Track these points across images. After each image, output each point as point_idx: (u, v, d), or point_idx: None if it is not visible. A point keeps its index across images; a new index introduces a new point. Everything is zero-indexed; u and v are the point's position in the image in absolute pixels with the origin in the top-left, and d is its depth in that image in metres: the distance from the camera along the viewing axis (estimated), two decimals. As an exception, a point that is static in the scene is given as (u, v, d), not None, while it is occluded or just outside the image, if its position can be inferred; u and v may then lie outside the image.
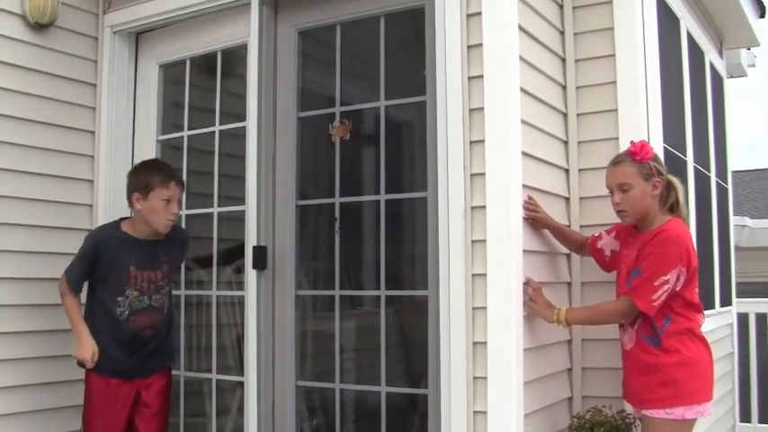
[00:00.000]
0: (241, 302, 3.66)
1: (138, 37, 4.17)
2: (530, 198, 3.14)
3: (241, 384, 3.65)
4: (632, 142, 3.07)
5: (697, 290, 3.01)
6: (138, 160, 4.09)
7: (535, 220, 3.17)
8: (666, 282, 2.83)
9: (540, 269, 3.23)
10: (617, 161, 3.05)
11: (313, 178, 3.76)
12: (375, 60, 3.41)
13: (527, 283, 3.03)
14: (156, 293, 3.44)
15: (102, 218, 4.01)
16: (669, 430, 2.86)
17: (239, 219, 3.62)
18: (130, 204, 3.42)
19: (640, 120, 3.48)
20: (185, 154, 3.97)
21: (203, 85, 4.05)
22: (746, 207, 14.99)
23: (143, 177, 3.38)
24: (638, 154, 2.98)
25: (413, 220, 3.70)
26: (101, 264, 3.36)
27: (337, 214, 3.49)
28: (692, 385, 2.89)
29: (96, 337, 3.33)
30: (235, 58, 3.94)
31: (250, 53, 3.65)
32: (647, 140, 3.48)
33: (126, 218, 3.53)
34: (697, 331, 2.97)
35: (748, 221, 10.88)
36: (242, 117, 3.68)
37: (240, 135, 3.69)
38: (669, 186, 3.04)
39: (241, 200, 3.61)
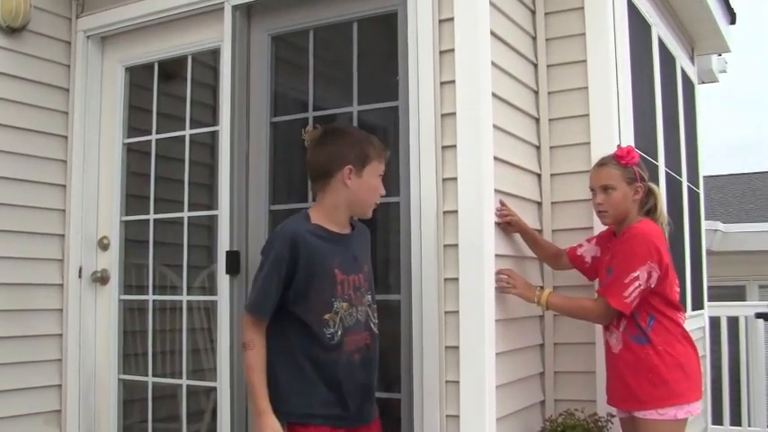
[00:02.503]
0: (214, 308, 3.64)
1: (104, 40, 4.13)
2: (502, 203, 3.15)
3: (214, 390, 3.62)
4: (619, 146, 3.17)
5: (677, 288, 3.03)
6: (103, 164, 4.06)
7: (509, 224, 3.18)
8: (636, 278, 2.85)
9: (512, 273, 3.22)
10: (602, 163, 3.12)
11: (286, 183, 3.74)
12: (348, 65, 3.40)
13: (499, 272, 3.03)
14: (361, 304, 2.62)
15: (76, 224, 3.97)
16: (663, 430, 2.86)
17: (209, 225, 3.60)
18: (326, 183, 2.57)
19: (612, 125, 3.49)
20: (153, 158, 3.95)
21: (172, 89, 4.02)
22: (720, 211, 15.12)
23: (358, 146, 2.56)
24: (623, 158, 3.07)
25: (385, 225, 3.68)
26: (301, 272, 2.46)
27: (309, 219, 3.46)
28: (683, 385, 2.91)
29: (293, 382, 2.46)
30: (206, 62, 3.92)
31: (223, 58, 3.63)
32: (621, 145, 3.51)
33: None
34: (683, 330, 2.99)
35: (720, 226, 10.95)
36: (212, 122, 3.65)
37: (206, 142, 3.66)
38: (649, 193, 3.11)
39: (210, 206, 3.59)
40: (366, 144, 2.59)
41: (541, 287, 3.10)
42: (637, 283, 2.86)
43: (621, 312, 2.92)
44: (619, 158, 3.07)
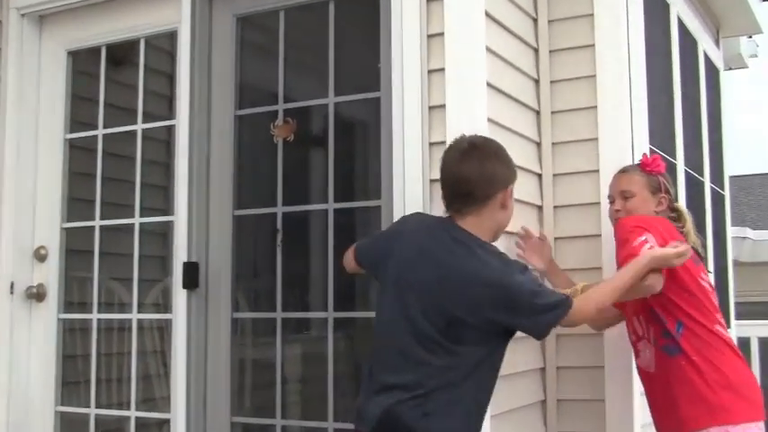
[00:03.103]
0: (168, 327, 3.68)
1: (42, 19, 4.15)
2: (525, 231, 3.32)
3: (167, 422, 3.67)
4: (645, 155, 3.33)
5: (705, 284, 3.08)
6: (41, 163, 4.09)
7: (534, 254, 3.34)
8: (644, 241, 2.88)
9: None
10: (625, 169, 3.29)
11: (252, 185, 3.80)
12: (323, 51, 3.46)
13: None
14: None
15: (7, 231, 3.99)
16: None
17: (164, 233, 3.65)
18: (481, 207, 2.67)
19: (623, 118, 3.59)
20: (99, 156, 3.99)
21: (122, 77, 4.06)
22: (750, 216, 15.27)
23: (511, 164, 2.75)
24: (648, 165, 3.22)
25: (367, 232, 3.74)
26: None
27: (280, 226, 3.54)
28: (730, 401, 2.89)
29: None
30: (162, 46, 3.96)
31: (181, 42, 3.68)
32: (631, 141, 3.61)
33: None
34: (722, 338, 3.01)
35: (750, 233, 11.00)
36: (168, 115, 3.70)
37: (160, 138, 3.72)
38: (678, 215, 3.24)
39: (165, 211, 3.64)
40: (513, 164, 2.78)
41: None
42: (647, 245, 2.87)
43: (651, 311, 3.02)
44: (643, 166, 3.23)
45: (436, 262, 2.59)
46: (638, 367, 3.19)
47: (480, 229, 2.67)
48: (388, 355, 2.60)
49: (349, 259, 2.97)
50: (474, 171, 2.64)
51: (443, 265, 2.57)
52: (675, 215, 3.25)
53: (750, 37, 6.84)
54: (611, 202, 3.25)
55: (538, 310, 2.55)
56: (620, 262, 2.89)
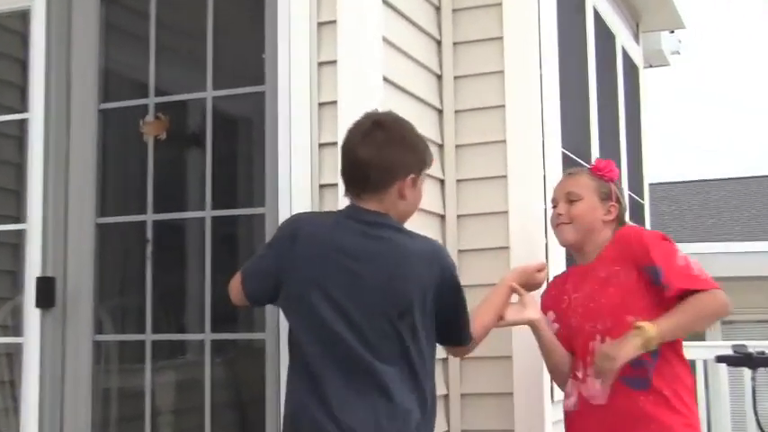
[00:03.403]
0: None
1: None
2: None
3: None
4: (597, 159, 3.43)
5: None
6: None
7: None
8: (688, 259, 2.99)
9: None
10: (572, 172, 3.34)
11: (119, 189, 3.76)
12: (201, 39, 3.44)
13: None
14: None
15: None
16: None
17: (15, 243, 3.58)
18: (380, 194, 2.71)
19: (533, 118, 3.69)
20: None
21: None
22: (673, 226, 15.79)
23: (423, 148, 2.81)
24: (600, 170, 3.24)
25: (249, 243, 3.75)
26: None
27: (150, 235, 3.50)
28: None
29: None
30: (12, 27, 3.89)
31: (34, 23, 3.62)
32: (542, 144, 3.70)
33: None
34: (692, 380, 3.08)
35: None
36: (20, 108, 3.64)
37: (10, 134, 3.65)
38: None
39: (17, 218, 3.57)
40: (425, 148, 2.82)
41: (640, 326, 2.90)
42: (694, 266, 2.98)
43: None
44: (595, 170, 3.24)
45: (358, 255, 2.63)
46: (579, 394, 3.09)
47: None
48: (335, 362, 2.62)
49: (236, 290, 2.90)
50: (371, 156, 2.68)
51: (368, 256, 2.63)
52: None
53: (672, 32, 7.06)
54: (554, 206, 3.26)
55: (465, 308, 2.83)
56: (684, 276, 2.94)
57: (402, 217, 2.77)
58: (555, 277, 3.36)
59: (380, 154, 2.67)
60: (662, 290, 2.93)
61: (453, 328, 2.78)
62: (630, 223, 3.33)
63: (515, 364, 3.55)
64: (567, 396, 3.17)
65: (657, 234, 3.10)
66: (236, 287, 2.88)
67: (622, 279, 3.03)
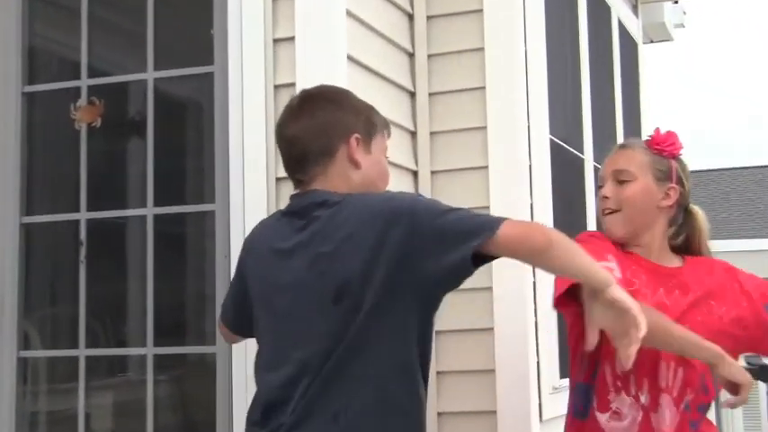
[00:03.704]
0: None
1: None
2: None
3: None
4: (657, 129, 3.04)
5: None
6: None
7: None
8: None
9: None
10: (625, 144, 3.05)
11: (47, 184, 3.73)
12: (141, 12, 3.43)
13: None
14: None
15: None
16: None
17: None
18: (325, 165, 2.57)
19: (517, 102, 3.69)
20: None
21: None
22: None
23: (366, 108, 2.68)
24: (659, 143, 2.96)
25: (198, 244, 3.74)
26: None
27: (83, 237, 3.48)
28: None
29: None
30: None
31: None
32: (527, 131, 3.71)
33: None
34: None
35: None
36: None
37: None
38: (688, 218, 3.00)
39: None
40: (370, 110, 2.69)
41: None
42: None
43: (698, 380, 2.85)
44: (653, 143, 2.95)
45: (292, 252, 2.51)
46: (632, 421, 2.86)
47: None
48: None
49: (222, 327, 2.88)
50: (302, 126, 2.58)
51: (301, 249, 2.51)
52: (685, 218, 2.99)
53: (676, 2, 7.07)
54: (600, 187, 2.97)
55: None
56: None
57: (364, 189, 2.58)
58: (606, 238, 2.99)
59: (312, 121, 2.57)
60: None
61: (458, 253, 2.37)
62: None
63: (499, 378, 3.56)
64: (610, 412, 2.87)
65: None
66: (221, 324, 2.89)
67: (714, 316, 2.85)
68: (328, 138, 2.55)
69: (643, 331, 2.36)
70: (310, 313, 2.42)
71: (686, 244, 2.97)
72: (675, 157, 2.95)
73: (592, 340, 2.45)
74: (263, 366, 2.55)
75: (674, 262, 2.91)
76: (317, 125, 2.57)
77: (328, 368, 2.36)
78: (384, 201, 2.46)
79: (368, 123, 2.63)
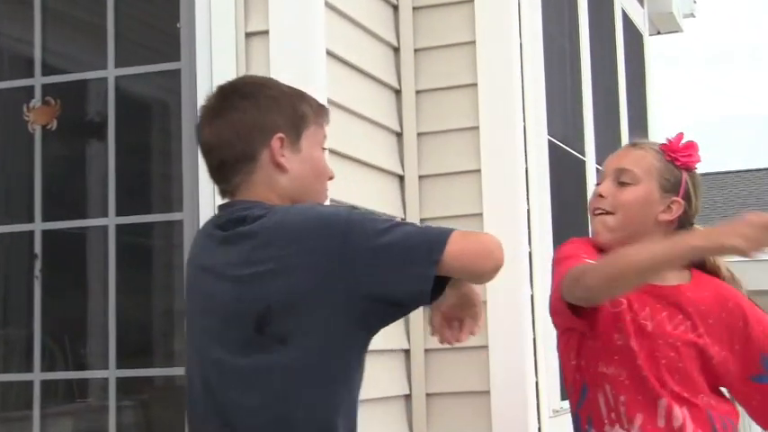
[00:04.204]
0: None
1: None
2: None
3: None
4: (680, 134, 3.00)
5: None
6: None
7: None
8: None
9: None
10: (637, 143, 2.95)
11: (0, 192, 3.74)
12: (100, 4, 3.41)
13: None
14: None
15: None
16: None
17: None
18: (248, 172, 2.44)
19: (512, 100, 3.69)
20: None
21: None
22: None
23: (287, 104, 2.51)
24: (674, 151, 2.90)
25: (164, 256, 3.75)
26: None
27: (39, 249, 3.48)
28: None
29: None
30: None
31: None
32: (523, 132, 3.71)
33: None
34: None
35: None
36: None
37: None
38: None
39: None
40: (297, 99, 2.49)
41: None
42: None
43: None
44: (669, 149, 2.89)
45: (216, 270, 2.48)
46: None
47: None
48: None
49: None
50: (218, 131, 2.44)
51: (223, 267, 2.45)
52: None
53: (686, -10, 7.10)
54: (598, 184, 2.91)
55: None
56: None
57: (296, 196, 2.45)
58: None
59: (226, 125, 2.42)
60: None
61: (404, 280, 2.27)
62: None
63: (494, 401, 3.57)
64: None
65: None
66: None
67: (709, 356, 2.78)
68: (245, 143, 2.41)
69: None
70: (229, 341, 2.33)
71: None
72: (690, 169, 2.90)
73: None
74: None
75: (675, 279, 2.83)
76: (232, 130, 2.43)
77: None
78: (314, 217, 2.33)
79: (294, 117, 2.47)
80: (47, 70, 3.51)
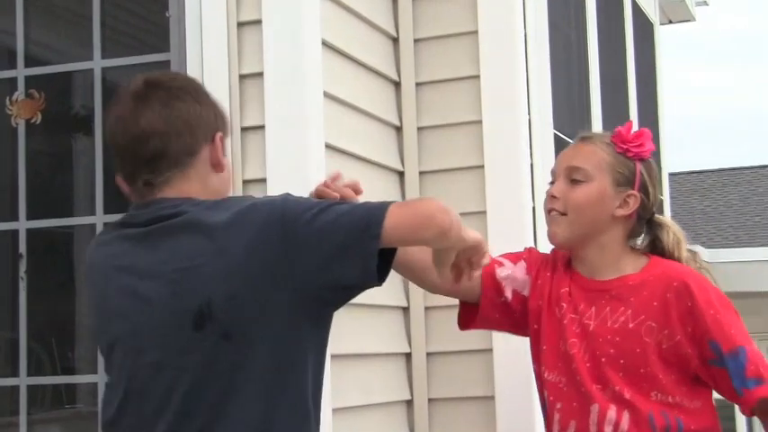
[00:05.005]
0: None
1: None
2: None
3: None
4: (630, 123, 2.99)
5: None
6: None
7: None
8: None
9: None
10: (586, 137, 2.96)
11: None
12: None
13: None
14: None
15: None
16: None
17: None
18: (184, 170, 2.41)
19: (516, 92, 3.68)
20: None
21: None
22: (706, 228, 15.84)
23: (215, 105, 2.54)
24: (627, 140, 2.89)
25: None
26: None
27: (23, 249, 3.48)
28: None
29: None
30: None
31: None
32: (528, 126, 3.70)
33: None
34: None
35: (702, 251, 11.39)
36: None
37: None
38: (656, 231, 2.94)
39: None
40: (220, 106, 2.53)
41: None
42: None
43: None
44: (619, 139, 2.88)
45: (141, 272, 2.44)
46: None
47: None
48: None
49: None
50: (164, 118, 2.39)
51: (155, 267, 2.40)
52: (652, 232, 2.94)
53: (698, -23, 7.10)
54: (551, 183, 2.91)
55: None
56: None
57: (217, 196, 2.44)
58: (539, 254, 3.03)
59: (173, 113, 2.39)
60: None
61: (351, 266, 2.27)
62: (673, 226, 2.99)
63: (499, 406, 3.57)
64: None
65: (725, 299, 2.82)
66: None
67: (656, 342, 2.77)
68: (192, 135, 2.39)
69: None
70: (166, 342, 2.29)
71: (662, 250, 2.91)
72: (643, 158, 2.89)
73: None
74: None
75: (630, 268, 2.85)
76: (180, 119, 2.39)
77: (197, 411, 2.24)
78: (251, 206, 2.31)
79: (224, 122, 2.51)
80: (30, 62, 3.51)
